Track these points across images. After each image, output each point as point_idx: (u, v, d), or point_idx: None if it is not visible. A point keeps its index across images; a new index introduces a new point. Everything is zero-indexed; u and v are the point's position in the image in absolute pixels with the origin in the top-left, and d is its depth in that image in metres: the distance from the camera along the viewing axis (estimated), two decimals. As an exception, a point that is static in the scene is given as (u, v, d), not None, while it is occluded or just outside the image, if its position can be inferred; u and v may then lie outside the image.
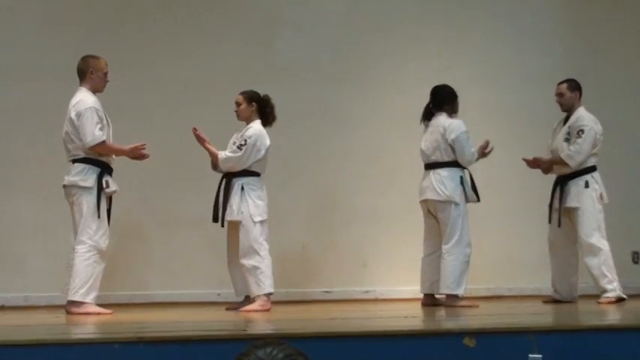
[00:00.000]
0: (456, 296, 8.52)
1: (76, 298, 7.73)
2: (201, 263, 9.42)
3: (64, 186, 7.96)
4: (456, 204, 8.59)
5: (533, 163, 9.15)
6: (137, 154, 8.06)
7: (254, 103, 8.42)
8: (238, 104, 8.44)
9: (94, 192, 7.82)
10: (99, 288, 7.86)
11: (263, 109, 8.44)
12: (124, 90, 8.82)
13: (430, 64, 9.95)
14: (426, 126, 8.86)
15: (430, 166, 8.77)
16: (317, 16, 10.08)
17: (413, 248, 8.98)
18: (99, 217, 7.82)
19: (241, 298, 8.40)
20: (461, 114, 8.85)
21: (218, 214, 8.32)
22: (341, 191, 9.27)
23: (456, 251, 8.57)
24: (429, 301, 8.77)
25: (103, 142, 7.85)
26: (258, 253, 8.18)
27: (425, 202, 8.77)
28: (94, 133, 7.81)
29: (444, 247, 8.60)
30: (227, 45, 9.73)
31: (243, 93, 8.47)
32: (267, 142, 8.32)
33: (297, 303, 8.90)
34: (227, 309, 8.35)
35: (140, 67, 9.19)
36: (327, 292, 9.50)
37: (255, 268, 8.16)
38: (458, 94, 8.82)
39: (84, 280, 7.75)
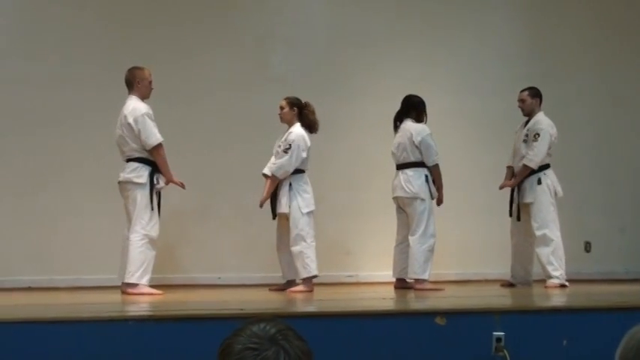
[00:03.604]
0: (422, 280, 8.89)
1: (132, 280, 8.10)
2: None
3: (119, 182, 8.27)
4: (422, 199, 8.95)
5: (504, 186, 9.48)
6: (173, 182, 8.35)
7: (295, 108, 8.80)
8: (282, 108, 8.81)
9: (147, 187, 8.16)
10: (151, 271, 8.20)
11: (303, 113, 8.80)
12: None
13: (404, 76, 10.25)
14: (396, 130, 9.24)
15: (400, 166, 9.13)
16: (305, 35, 10.44)
17: (389, 238, 9.34)
18: (152, 209, 8.18)
19: (284, 281, 8.91)
20: (431, 120, 9.19)
21: (274, 209, 8.75)
22: (328, 188, 9.51)
23: (421, 241, 8.89)
24: (400, 285, 9.19)
25: (161, 144, 8.21)
26: (304, 240, 8.60)
27: (396, 199, 9.16)
28: (156, 134, 8.17)
29: (411, 238, 8.96)
30: (228, 59, 10.05)
31: (286, 98, 8.84)
32: (308, 142, 8.71)
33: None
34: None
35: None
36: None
37: (302, 253, 8.58)
38: (428, 102, 9.15)
39: (138, 265, 8.10)
